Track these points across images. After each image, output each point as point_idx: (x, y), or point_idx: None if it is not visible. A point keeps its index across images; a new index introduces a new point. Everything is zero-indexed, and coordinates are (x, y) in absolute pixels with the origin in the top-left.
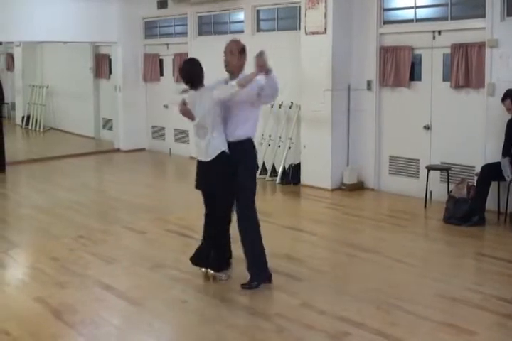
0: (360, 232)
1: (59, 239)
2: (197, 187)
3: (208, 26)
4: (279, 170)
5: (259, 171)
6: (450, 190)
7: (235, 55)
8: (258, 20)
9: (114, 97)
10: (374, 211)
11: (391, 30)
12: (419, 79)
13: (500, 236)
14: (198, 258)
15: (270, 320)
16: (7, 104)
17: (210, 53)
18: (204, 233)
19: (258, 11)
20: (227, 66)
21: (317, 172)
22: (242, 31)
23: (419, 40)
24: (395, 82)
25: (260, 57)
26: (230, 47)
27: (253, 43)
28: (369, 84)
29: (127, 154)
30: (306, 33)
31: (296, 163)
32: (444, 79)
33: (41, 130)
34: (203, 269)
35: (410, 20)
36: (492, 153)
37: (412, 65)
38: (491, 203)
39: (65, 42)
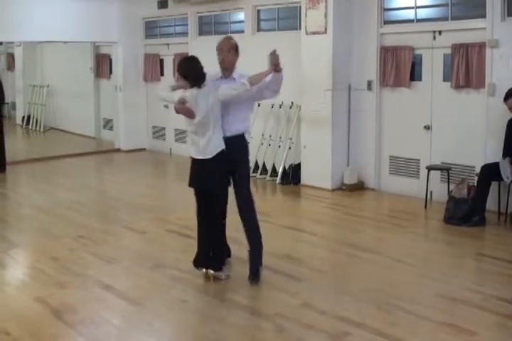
0: (361, 232)
1: (59, 238)
2: (191, 185)
3: (208, 26)
4: (280, 170)
5: (259, 171)
6: (450, 190)
7: (231, 52)
8: (258, 20)
9: (114, 97)
10: (374, 211)
11: (391, 30)
12: (420, 79)
13: (500, 237)
14: (199, 261)
15: (270, 320)
16: (7, 103)
17: (210, 53)
18: (200, 234)
19: (258, 11)
20: (223, 63)
21: (317, 173)
22: (242, 31)
23: (420, 40)
24: (396, 82)
25: (274, 55)
26: (226, 45)
27: (253, 43)
28: (369, 84)
29: (128, 154)
30: (307, 33)
31: (297, 163)
32: (445, 80)
33: (41, 130)
34: (203, 269)
35: (411, 21)
36: (492, 153)
37: (413, 65)
38: (491, 203)
39: (65, 42)
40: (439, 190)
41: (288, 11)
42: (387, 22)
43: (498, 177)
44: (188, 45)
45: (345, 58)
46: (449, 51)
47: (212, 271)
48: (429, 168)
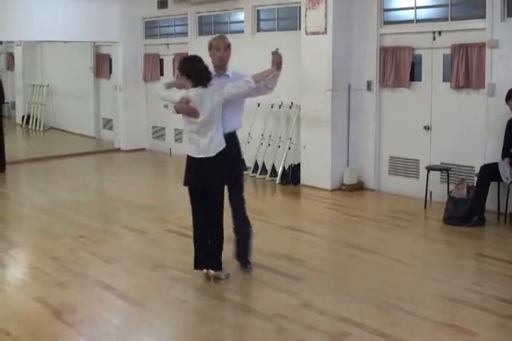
0: (360, 232)
1: (59, 238)
2: (186, 184)
3: (208, 26)
4: (279, 171)
5: (259, 171)
6: (450, 190)
7: (227, 50)
8: (258, 20)
9: (114, 97)
10: (374, 211)
11: (391, 31)
12: (420, 79)
13: (500, 237)
14: (199, 262)
15: (270, 320)
16: (7, 103)
17: None
18: (199, 235)
19: (258, 11)
20: (221, 61)
21: (317, 173)
22: (242, 31)
23: (420, 41)
24: (395, 82)
25: (277, 54)
26: (223, 43)
27: (253, 43)
28: (369, 84)
29: (127, 154)
30: (307, 33)
31: (296, 163)
32: (444, 80)
33: (41, 129)
34: (204, 270)
35: (410, 21)
36: (492, 153)
37: (412, 65)
38: (490, 203)
39: (65, 42)
40: (439, 191)
41: (288, 11)
42: (387, 22)
43: (498, 178)
44: (188, 45)
45: (345, 58)
46: (448, 51)
47: (212, 271)
48: (429, 168)
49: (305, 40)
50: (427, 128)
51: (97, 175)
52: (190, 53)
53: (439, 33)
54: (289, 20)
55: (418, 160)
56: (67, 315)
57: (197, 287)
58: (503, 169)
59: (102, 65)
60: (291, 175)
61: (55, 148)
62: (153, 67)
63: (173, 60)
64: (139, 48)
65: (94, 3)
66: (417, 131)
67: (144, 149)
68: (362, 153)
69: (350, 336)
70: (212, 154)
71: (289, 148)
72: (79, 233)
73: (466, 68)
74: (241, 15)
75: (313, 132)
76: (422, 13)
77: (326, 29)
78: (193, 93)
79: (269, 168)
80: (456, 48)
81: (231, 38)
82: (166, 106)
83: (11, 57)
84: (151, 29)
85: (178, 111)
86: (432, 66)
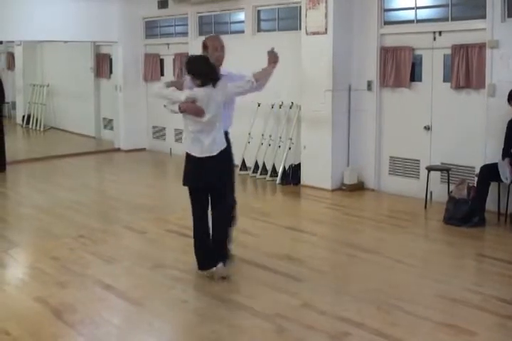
0: (361, 233)
1: (59, 238)
2: (186, 184)
3: (208, 26)
4: (279, 171)
5: (259, 171)
6: (450, 190)
7: (223, 50)
8: (259, 20)
9: (114, 97)
10: (374, 211)
11: (392, 31)
12: (420, 79)
13: (500, 237)
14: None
15: (270, 320)
16: (8, 103)
17: None
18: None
19: (259, 11)
20: (219, 60)
21: (317, 173)
22: (242, 31)
23: (420, 41)
24: (396, 82)
25: (273, 53)
26: (221, 43)
27: (254, 43)
28: (369, 84)
29: (128, 154)
30: (307, 33)
31: (297, 163)
32: (445, 80)
33: (42, 129)
34: (214, 268)
35: (411, 21)
36: (492, 153)
37: (413, 65)
38: (491, 204)
39: (65, 42)
40: (439, 191)
41: (288, 11)
42: (387, 22)
43: (498, 178)
44: (188, 45)
45: (346, 58)
46: (449, 52)
47: (221, 266)
48: (429, 169)
49: (305, 40)
50: (427, 128)
51: (97, 175)
52: (190, 53)
53: (440, 33)
54: (290, 20)
55: (418, 161)
56: (67, 315)
57: (197, 287)
58: (503, 169)
59: (103, 64)
60: (292, 175)
61: (55, 148)
62: (154, 67)
63: (174, 60)
64: (140, 48)
65: (94, 3)
66: (418, 131)
67: (144, 149)
68: (362, 153)
69: (350, 336)
70: (214, 153)
71: (290, 148)
72: (79, 233)
73: (466, 68)
74: (241, 16)
75: (313, 132)
76: (423, 14)
77: (326, 29)
78: (201, 92)
79: (269, 168)
80: (457, 48)
81: (231, 38)
82: (165, 106)
83: (11, 57)
84: (151, 29)
85: (183, 111)
86: (433, 66)
